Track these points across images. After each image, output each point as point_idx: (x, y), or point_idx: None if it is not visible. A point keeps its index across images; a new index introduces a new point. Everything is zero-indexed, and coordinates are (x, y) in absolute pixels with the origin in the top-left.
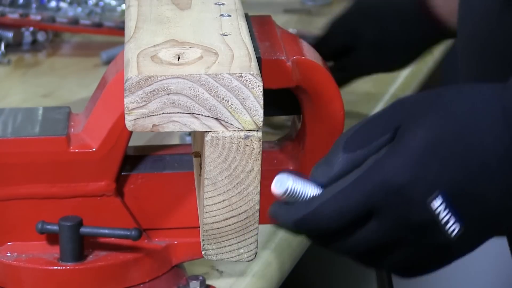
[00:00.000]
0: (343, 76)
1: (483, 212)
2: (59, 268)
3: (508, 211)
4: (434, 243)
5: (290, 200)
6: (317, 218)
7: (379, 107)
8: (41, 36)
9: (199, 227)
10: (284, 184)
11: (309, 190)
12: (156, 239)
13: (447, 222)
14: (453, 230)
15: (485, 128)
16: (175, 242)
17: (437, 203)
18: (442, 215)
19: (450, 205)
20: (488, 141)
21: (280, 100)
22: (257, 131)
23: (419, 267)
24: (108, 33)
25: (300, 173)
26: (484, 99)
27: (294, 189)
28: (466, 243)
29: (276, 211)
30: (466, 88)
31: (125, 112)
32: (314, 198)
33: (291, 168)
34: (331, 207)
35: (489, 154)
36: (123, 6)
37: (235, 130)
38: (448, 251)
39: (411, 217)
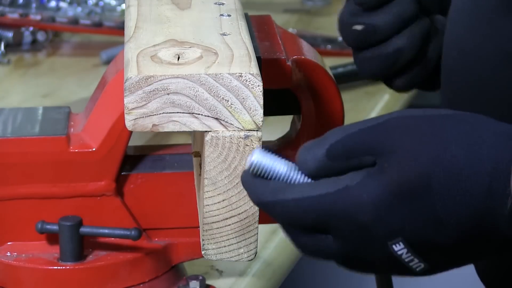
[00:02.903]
0: None
1: (446, 258)
2: (59, 268)
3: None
4: (398, 272)
5: (261, 174)
6: (278, 210)
7: (379, 106)
8: (41, 36)
9: (199, 227)
10: (251, 158)
11: (281, 168)
12: (156, 239)
13: (411, 261)
14: (418, 267)
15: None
16: (175, 242)
17: (398, 247)
18: (404, 256)
19: (412, 250)
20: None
21: (280, 100)
22: (257, 131)
23: None
24: (108, 33)
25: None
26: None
27: (262, 166)
28: (433, 273)
29: (247, 181)
30: (465, 125)
31: (125, 112)
32: (281, 188)
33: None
34: (293, 209)
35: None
36: (123, 6)
37: (235, 130)
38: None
39: (372, 251)
